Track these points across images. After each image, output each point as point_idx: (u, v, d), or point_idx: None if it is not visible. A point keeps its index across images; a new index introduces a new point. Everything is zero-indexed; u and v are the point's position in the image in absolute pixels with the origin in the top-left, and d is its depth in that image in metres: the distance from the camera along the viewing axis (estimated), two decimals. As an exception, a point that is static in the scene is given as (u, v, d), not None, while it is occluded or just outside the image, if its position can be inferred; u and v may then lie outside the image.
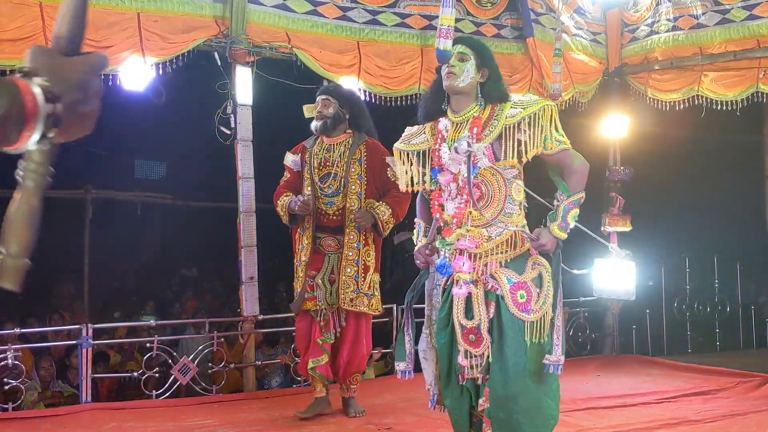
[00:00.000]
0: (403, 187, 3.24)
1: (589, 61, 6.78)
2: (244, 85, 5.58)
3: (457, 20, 6.05)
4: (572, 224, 3.00)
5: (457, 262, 3.02)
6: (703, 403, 5.15)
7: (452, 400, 3.09)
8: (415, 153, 3.16)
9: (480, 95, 3.09)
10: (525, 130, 3.00)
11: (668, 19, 6.46)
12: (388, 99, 6.02)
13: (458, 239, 3.01)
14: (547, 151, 3.02)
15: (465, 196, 3.00)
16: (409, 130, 3.25)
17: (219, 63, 5.54)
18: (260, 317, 5.64)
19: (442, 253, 3.08)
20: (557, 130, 3.03)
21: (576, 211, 3.01)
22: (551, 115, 3.02)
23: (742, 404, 5.09)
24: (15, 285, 0.87)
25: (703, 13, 6.22)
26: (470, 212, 3.01)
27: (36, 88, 0.86)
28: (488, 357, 2.97)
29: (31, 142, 0.88)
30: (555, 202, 3.06)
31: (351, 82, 5.76)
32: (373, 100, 5.94)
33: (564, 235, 2.96)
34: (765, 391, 5.39)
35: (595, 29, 6.88)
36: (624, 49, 6.88)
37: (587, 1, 6.74)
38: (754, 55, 6.06)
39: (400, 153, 3.23)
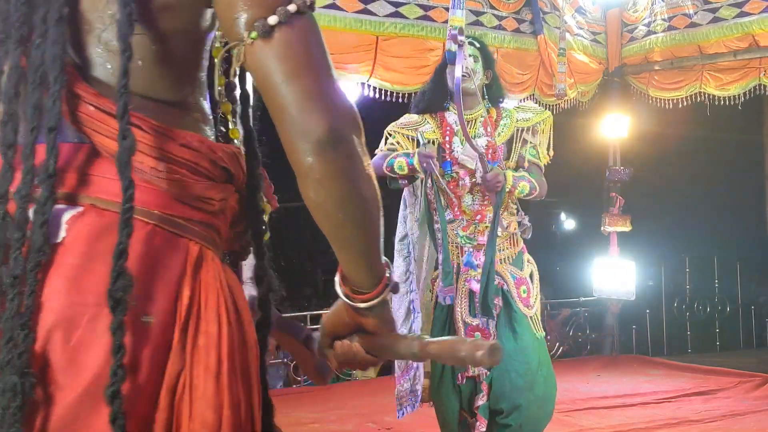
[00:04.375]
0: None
1: (589, 61, 6.78)
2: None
3: (480, 14, 6.04)
4: (516, 191, 3.03)
5: (475, 258, 3.06)
6: (703, 403, 5.15)
7: (444, 399, 3.09)
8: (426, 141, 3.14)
9: (486, 96, 3.13)
10: (536, 134, 3.11)
11: (663, 19, 6.45)
12: (401, 95, 5.89)
13: (476, 235, 3.06)
14: (532, 158, 3.11)
15: (487, 193, 3.04)
16: (408, 118, 3.23)
17: (219, 63, 5.50)
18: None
19: (465, 248, 3.08)
20: (547, 146, 3.16)
21: (526, 187, 3.04)
22: (549, 128, 3.15)
23: (742, 404, 5.08)
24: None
25: (695, 12, 6.22)
26: (490, 209, 3.06)
27: None
28: None
29: None
30: (520, 169, 3.13)
31: (361, 80, 5.71)
32: (383, 97, 5.85)
33: (510, 183, 2.99)
34: (765, 391, 5.39)
35: (595, 29, 6.87)
36: (624, 48, 6.88)
37: (587, 1, 6.73)
38: (754, 55, 6.06)
39: (400, 136, 3.18)
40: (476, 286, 3.02)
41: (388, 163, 3.11)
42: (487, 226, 3.05)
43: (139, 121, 0.92)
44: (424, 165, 2.99)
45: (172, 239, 0.92)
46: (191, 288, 0.91)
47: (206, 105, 1.04)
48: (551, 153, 3.17)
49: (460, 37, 2.82)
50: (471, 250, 3.07)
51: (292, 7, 0.89)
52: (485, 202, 3.06)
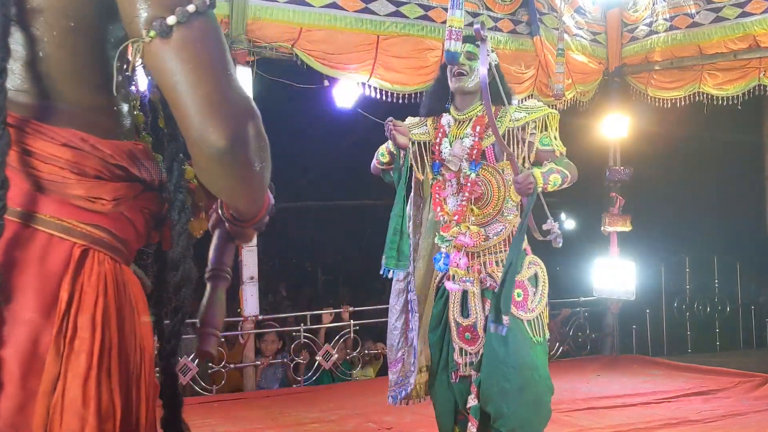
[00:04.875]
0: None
1: (588, 61, 6.78)
2: (244, 85, 5.51)
3: (476, 15, 6.04)
4: (549, 186, 2.91)
5: (454, 258, 3.04)
6: (703, 403, 5.15)
7: (440, 395, 3.10)
8: (416, 143, 3.16)
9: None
10: (532, 133, 3.03)
11: (665, 19, 6.46)
12: (401, 95, 5.83)
13: (457, 236, 3.04)
14: (546, 147, 3.02)
15: (467, 194, 3.03)
16: (410, 120, 3.27)
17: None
18: (260, 317, 5.65)
19: (442, 248, 3.08)
20: (556, 139, 3.06)
21: (558, 179, 2.92)
22: (554, 124, 3.05)
23: (742, 404, 5.08)
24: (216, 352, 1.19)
25: (697, 12, 6.22)
26: (471, 209, 3.04)
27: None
28: (481, 354, 2.98)
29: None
30: (545, 163, 3.01)
31: (362, 80, 5.70)
32: (383, 97, 5.84)
33: (541, 182, 2.86)
34: (765, 391, 5.39)
35: (595, 29, 6.88)
36: (624, 48, 6.89)
37: (587, 1, 6.74)
38: (753, 55, 6.07)
39: None
40: (452, 286, 3.02)
41: (375, 157, 3.22)
42: (468, 227, 3.03)
43: (17, 122, 0.91)
44: (386, 133, 3.04)
45: (51, 241, 0.91)
46: (69, 291, 0.90)
47: (113, 99, 1.01)
48: (562, 149, 3.07)
49: (483, 32, 2.81)
50: (452, 251, 3.04)
51: (191, 7, 0.89)
52: (463, 203, 3.04)
